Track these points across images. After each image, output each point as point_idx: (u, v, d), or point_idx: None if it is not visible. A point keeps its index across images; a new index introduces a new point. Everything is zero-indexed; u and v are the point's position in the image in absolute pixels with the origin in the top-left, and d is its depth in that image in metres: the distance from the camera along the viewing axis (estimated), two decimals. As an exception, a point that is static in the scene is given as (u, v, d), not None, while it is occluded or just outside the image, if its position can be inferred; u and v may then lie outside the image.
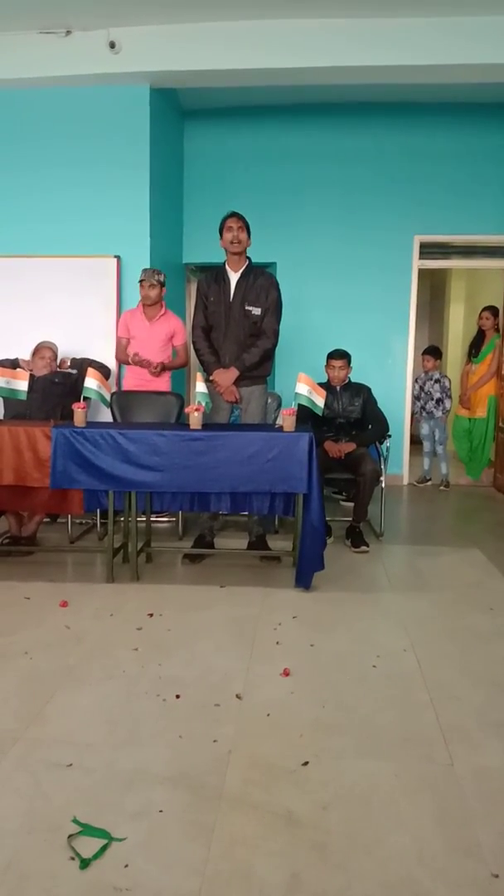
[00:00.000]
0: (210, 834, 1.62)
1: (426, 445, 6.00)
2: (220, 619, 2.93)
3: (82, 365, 4.20)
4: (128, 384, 4.44)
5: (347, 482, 4.17)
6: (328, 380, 4.27)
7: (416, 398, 5.98)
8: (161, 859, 1.54)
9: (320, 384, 3.56)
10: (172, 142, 5.47)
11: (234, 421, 3.85)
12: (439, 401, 5.87)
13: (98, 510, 3.98)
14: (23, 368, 4.07)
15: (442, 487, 5.83)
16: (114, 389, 4.34)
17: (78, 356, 4.43)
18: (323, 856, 1.55)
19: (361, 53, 4.29)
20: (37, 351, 4.20)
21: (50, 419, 3.74)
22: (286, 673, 2.44)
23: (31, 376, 3.94)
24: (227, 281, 3.69)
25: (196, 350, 3.80)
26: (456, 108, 5.53)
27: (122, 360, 4.46)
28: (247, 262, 3.71)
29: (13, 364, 4.17)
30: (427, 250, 5.82)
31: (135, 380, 4.37)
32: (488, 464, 5.92)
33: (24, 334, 4.49)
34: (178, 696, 2.27)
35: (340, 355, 4.27)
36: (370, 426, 4.24)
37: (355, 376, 4.39)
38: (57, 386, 4.09)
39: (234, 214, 3.65)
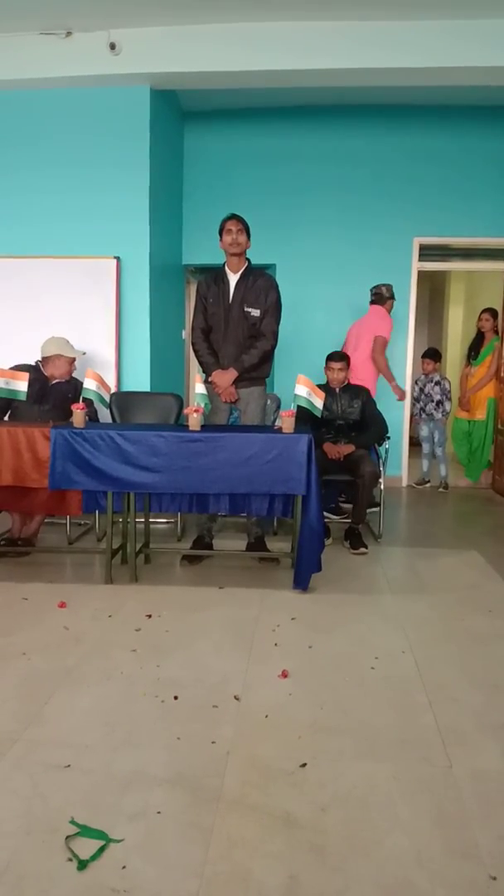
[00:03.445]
0: (208, 835, 1.61)
1: (425, 447, 6.00)
2: (218, 621, 2.93)
3: None
4: None
5: (346, 484, 4.17)
6: (327, 381, 4.27)
7: (415, 400, 5.99)
8: (159, 861, 1.53)
9: (319, 386, 3.57)
10: (172, 143, 5.47)
11: (234, 422, 3.85)
12: (439, 403, 5.88)
13: (97, 511, 3.97)
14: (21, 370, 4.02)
15: (441, 489, 5.84)
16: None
17: None
18: (321, 857, 1.55)
19: (361, 56, 4.30)
20: (58, 355, 3.96)
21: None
22: (284, 674, 2.44)
23: (45, 383, 3.90)
24: (226, 282, 3.70)
25: (195, 351, 3.81)
26: (456, 110, 5.54)
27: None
28: (246, 264, 3.72)
29: None
30: (426, 252, 5.83)
31: None
32: (487, 466, 5.93)
33: (23, 335, 4.49)
34: (176, 698, 2.26)
35: (340, 357, 4.27)
36: (369, 428, 4.24)
37: (354, 378, 4.39)
38: (70, 400, 3.91)
39: (233, 217, 3.66)
